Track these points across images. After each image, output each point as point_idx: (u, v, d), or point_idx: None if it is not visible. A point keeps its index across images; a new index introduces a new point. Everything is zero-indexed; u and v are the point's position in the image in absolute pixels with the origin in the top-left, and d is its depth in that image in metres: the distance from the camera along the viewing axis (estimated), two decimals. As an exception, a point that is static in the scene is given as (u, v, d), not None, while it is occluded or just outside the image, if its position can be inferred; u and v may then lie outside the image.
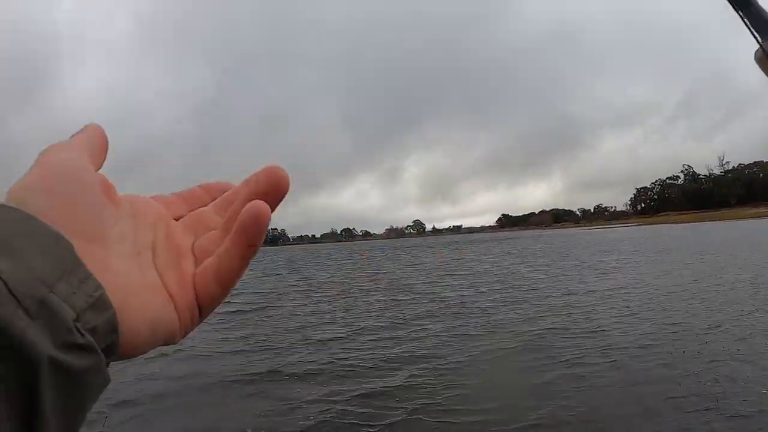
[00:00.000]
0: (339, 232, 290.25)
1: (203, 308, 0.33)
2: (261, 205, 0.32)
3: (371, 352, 7.44)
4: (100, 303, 0.26)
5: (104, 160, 0.34)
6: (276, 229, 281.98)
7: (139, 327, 0.29)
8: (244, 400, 5.60)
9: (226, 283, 0.33)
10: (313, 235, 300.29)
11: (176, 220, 0.37)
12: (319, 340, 8.47)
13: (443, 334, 8.33)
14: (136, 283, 0.30)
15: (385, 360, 6.88)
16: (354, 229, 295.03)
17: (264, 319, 11.20)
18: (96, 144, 0.34)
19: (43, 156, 0.30)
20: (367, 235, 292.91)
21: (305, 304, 13.24)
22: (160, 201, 0.37)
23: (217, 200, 0.39)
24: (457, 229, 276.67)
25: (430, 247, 59.94)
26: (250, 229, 0.32)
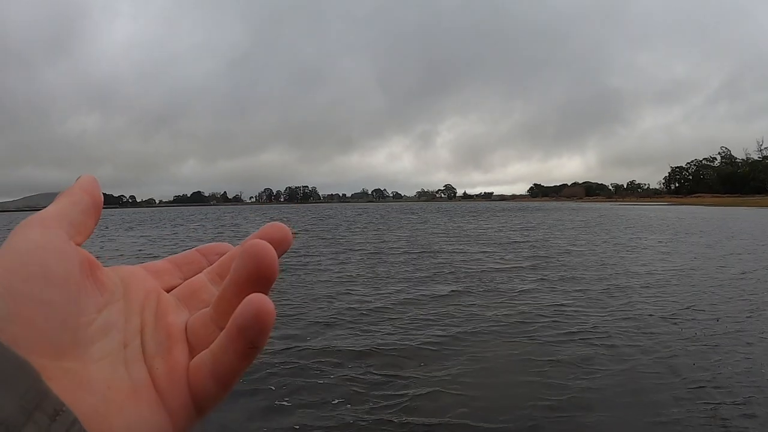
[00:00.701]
0: (370, 192, 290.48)
1: (200, 407, 0.29)
2: (262, 301, 0.27)
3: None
4: None
5: (95, 223, 0.30)
6: (307, 186, 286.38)
7: None
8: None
9: (224, 382, 0.28)
10: (344, 194, 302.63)
11: (170, 290, 0.33)
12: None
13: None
14: (119, 389, 0.26)
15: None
16: (385, 190, 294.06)
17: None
18: (82, 207, 0.30)
19: (10, 239, 0.27)
20: (398, 197, 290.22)
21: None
22: (151, 271, 0.33)
23: (213, 266, 0.35)
24: (488, 196, 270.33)
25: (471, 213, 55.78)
26: (249, 331, 0.27)
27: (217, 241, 0.38)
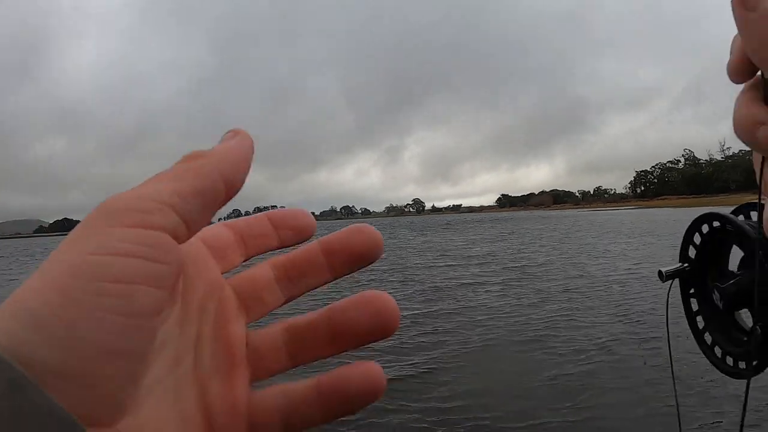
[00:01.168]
0: (338, 209, 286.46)
1: None
2: (379, 374, 0.23)
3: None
4: None
5: (232, 183, 0.22)
6: (275, 206, 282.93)
7: None
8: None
9: (295, 430, 0.24)
10: (313, 212, 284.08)
11: (230, 270, 0.26)
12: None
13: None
14: (167, 428, 0.20)
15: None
16: (353, 206, 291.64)
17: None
18: (219, 173, 0.21)
19: (77, 241, 0.19)
20: (366, 213, 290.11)
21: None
22: (211, 244, 0.25)
23: (282, 258, 0.26)
24: (456, 209, 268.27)
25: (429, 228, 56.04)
26: (356, 404, 0.23)
27: None
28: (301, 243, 0.26)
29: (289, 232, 0.26)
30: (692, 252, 0.56)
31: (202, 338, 0.23)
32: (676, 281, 0.58)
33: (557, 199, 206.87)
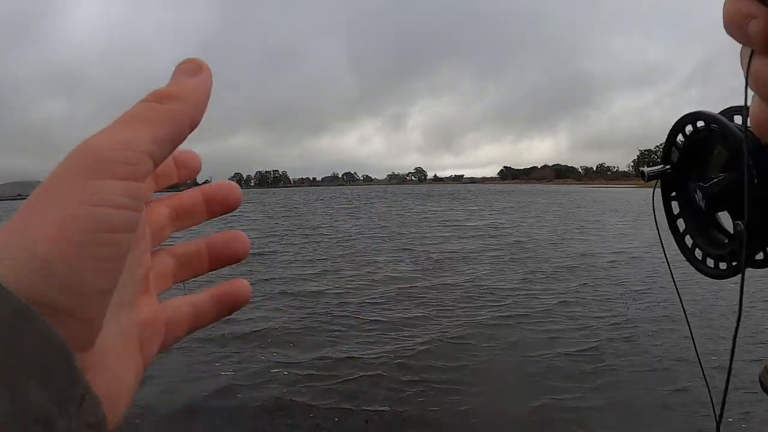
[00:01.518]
0: (340, 176, 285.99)
1: (161, 348, 0.29)
2: (245, 287, 0.32)
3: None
4: (97, 424, 0.21)
5: (195, 125, 0.26)
6: (277, 171, 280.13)
7: (124, 405, 0.25)
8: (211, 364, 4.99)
9: (191, 332, 0.31)
10: (314, 178, 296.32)
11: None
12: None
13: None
14: (118, 355, 0.25)
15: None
16: (355, 173, 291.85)
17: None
18: (189, 117, 0.25)
19: (66, 174, 0.22)
20: (368, 180, 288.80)
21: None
22: (154, 222, 0.30)
23: (173, 200, 0.31)
24: (458, 179, 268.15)
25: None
26: (235, 306, 0.32)
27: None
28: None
29: (218, 206, 0.32)
30: (675, 155, 0.56)
31: (131, 265, 0.26)
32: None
33: (560, 173, 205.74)
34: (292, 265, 10.84)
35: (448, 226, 19.37)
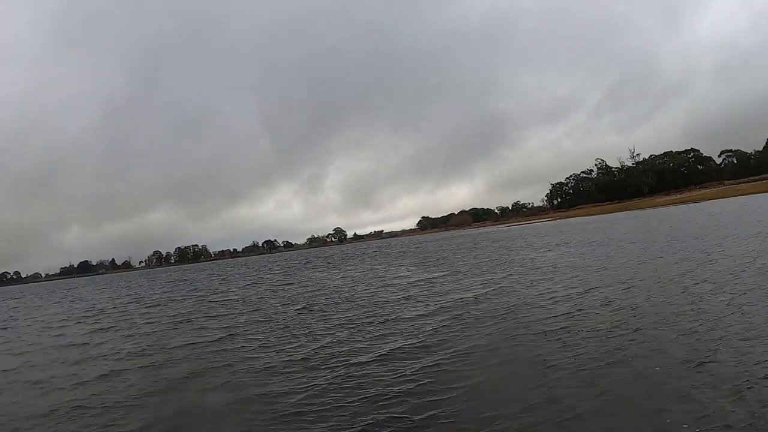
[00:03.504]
0: (261, 244, 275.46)
1: None
2: None
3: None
4: None
5: None
6: (197, 245, 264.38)
7: None
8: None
9: None
10: (235, 249, 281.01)
11: None
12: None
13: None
14: None
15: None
16: (276, 240, 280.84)
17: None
18: None
19: None
20: (289, 245, 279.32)
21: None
22: None
23: None
24: (378, 234, 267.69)
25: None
26: None
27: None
28: None
29: None
30: None
31: None
32: None
33: (477, 217, 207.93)
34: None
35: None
